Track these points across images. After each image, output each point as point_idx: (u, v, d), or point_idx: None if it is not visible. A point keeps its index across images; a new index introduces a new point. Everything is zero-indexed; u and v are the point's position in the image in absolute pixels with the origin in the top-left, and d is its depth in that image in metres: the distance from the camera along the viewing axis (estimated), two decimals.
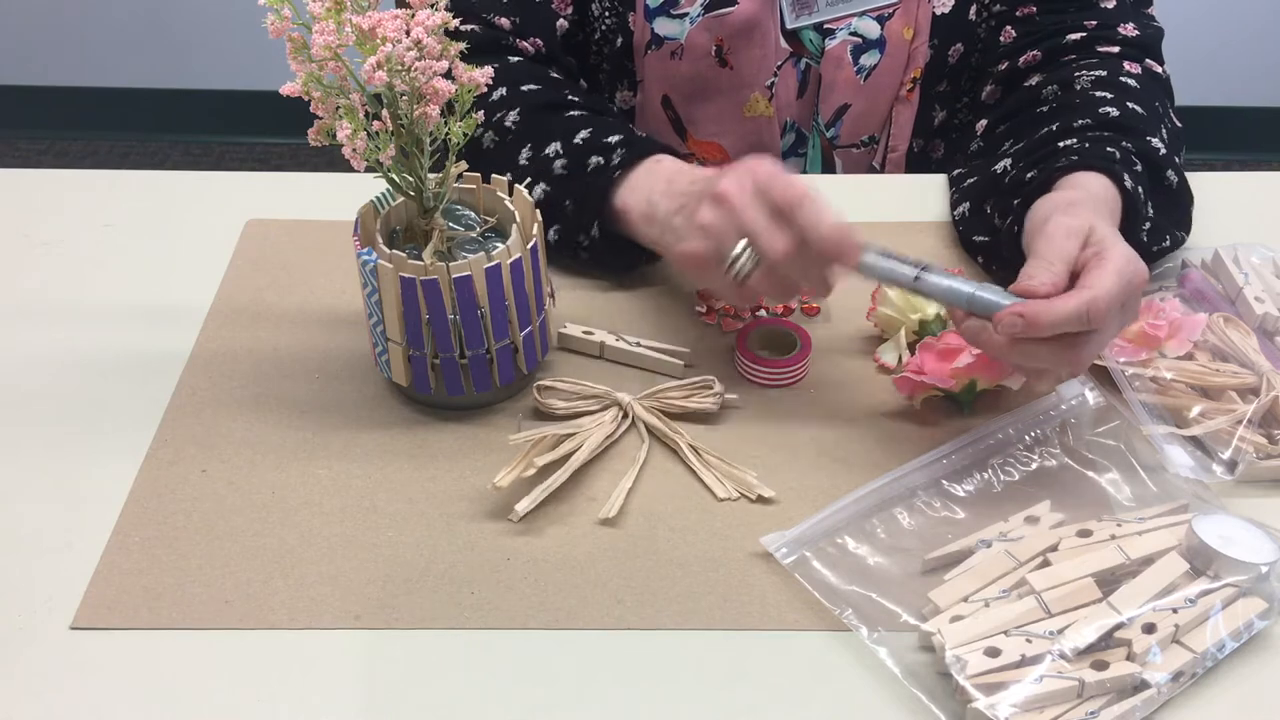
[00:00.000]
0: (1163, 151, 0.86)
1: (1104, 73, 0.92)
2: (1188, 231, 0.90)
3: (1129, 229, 0.80)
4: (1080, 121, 0.87)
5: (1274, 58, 2.46)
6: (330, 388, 0.82)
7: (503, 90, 0.91)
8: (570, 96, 0.92)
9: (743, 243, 0.72)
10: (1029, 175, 0.84)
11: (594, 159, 0.86)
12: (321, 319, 0.87)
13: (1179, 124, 0.93)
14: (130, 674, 0.64)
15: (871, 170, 1.08)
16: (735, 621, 0.67)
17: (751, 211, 0.72)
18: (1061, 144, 0.85)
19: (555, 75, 0.96)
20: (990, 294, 0.69)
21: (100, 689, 0.63)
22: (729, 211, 0.73)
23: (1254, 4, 2.39)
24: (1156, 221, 0.85)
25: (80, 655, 0.65)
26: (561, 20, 1.00)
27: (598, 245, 0.87)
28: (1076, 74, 0.93)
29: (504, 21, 0.97)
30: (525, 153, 0.89)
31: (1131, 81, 0.91)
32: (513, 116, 0.90)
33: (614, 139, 0.87)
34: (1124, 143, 0.84)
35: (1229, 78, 2.45)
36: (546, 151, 0.88)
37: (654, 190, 0.82)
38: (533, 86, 0.92)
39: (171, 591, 0.68)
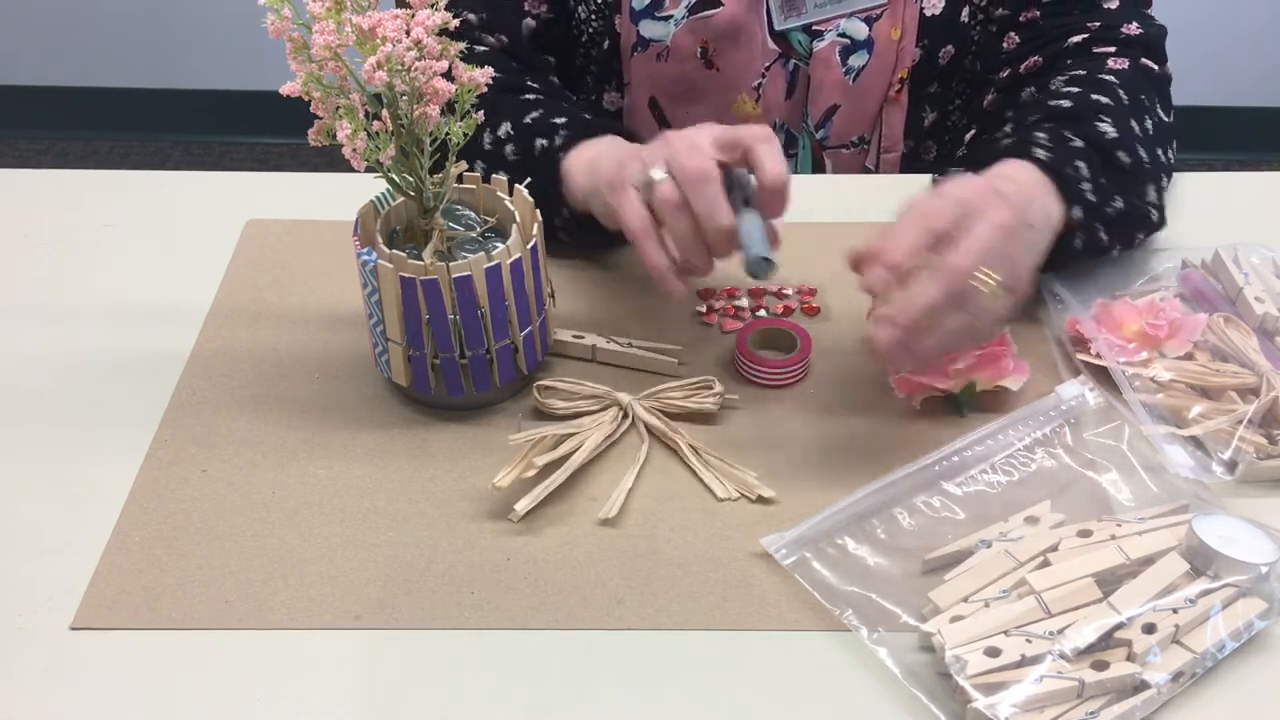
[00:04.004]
0: (1110, 135, 0.85)
1: (1083, 71, 0.92)
2: (1155, 207, 0.88)
3: (1067, 197, 0.80)
4: (1032, 117, 0.88)
5: (1274, 58, 2.46)
6: (330, 388, 0.82)
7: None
8: (528, 83, 0.94)
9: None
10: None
11: (539, 141, 0.87)
12: (321, 319, 0.87)
13: (1167, 119, 0.93)
14: (130, 674, 0.64)
15: (864, 171, 1.08)
16: (735, 621, 0.67)
17: (682, 140, 0.74)
18: (1004, 143, 0.86)
19: (514, 64, 0.98)
20: (748, 223, 0.73)
21: (100, 689, 0.63)
22: (664, 142, 0.75)
23: (1254, 5, 2.39)
24: (1102, 187, 0.84)
25: (80, 655, 0.65)
26: (529, 20, 1.01)
27: (571, 225, 0.87)
28: (1058, 75, 0.93)
29: (471, 17, 0.98)
30: (486, 138, 0.90)
31: (1110, 77, 0.91)
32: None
33: (559, 120, 0.88)
34: (1063, 129, 0.84)
35: (1229, 78, 2.45)
36: (499, 134, 0.89)
37: (598, 155, 0.84)
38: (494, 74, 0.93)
39: (171, 591, 0.68)
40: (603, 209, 0.81)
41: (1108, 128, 0.86)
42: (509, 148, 0.89)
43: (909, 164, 1.09)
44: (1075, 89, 0.90)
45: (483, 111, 0.89)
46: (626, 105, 1.05)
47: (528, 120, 0.89)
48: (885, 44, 1.00)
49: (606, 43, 1.02)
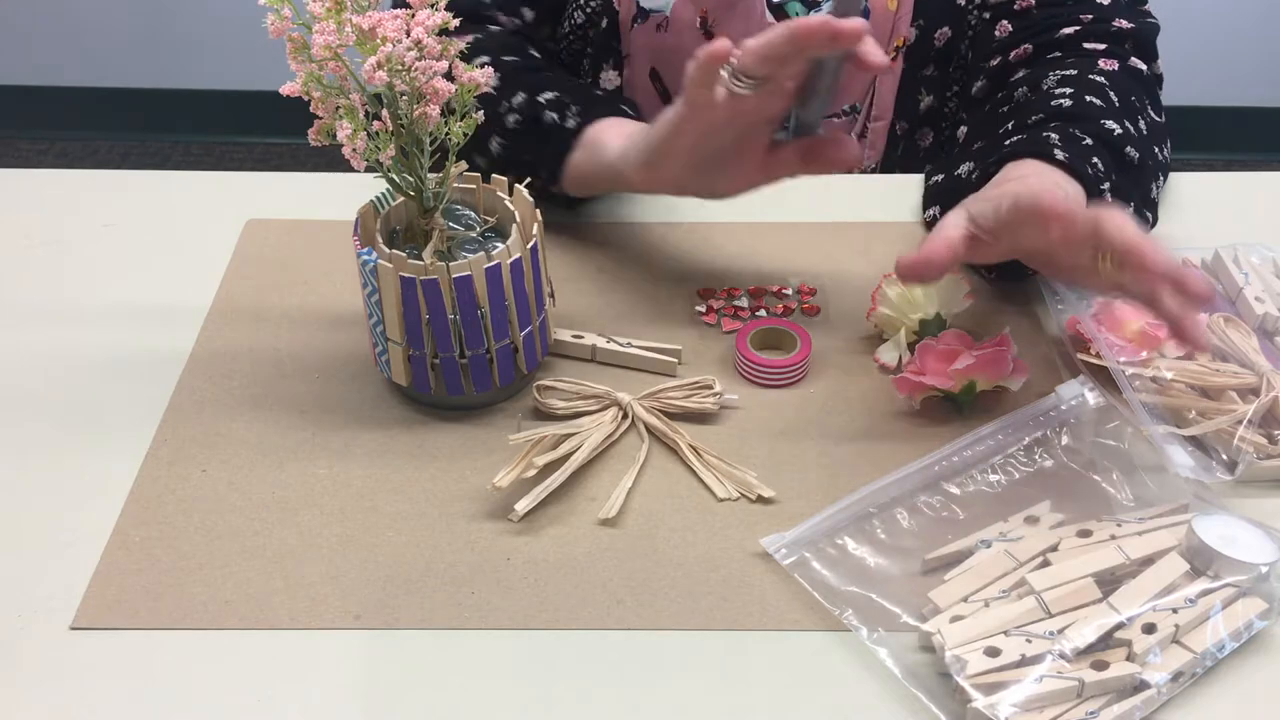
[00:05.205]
0: (1118, 132, 0.85)
1: (1074, 72, 0.92)
2: (1153, 206, 0.88)
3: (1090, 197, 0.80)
4: (1034, 117, 0.88)
5: (1274, 57, 2.46)
6: (330, 388, 0.82)
7: (485, 58, 0.94)
8: (547, 71, 0.96)
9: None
10: (974, 175, 0.85)
11: (549, 115, 0.88)
12: (321, 319, 0.87)
13: (1160, 119, 0.93)
14: (130, 674, 0.64)
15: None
16: (735, 621, 0.67)
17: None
18: (1007, 142, 0.85)
19: (533, 52, 0.99)
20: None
21: (100, 689, 0.63)
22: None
23: (1253, 3, 2.39)
24: (1116, 186, 0.84)
25: (80, 655, 0.65)
26: (526, 9, 1.03)
27: (546, 193, 0.90)
28: (1048, 73, 0.93)
29: None
30: (501, 107, 0.91)
31: (1100, 78, 0.91)
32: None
33: (574, 100, 0.89)
34: (1071, 129, 0.84)
35: (1229, 78, 2.45)
36: (513, 103, 0.90)
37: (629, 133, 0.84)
38: (512, 58, 0.95)
39: (171, 591, 0.68)
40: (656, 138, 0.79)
41: (1113, 124, 0.86)
42: (513, 117, 0.90)
43: (905, 147, 1.09)
44: (1070, 89, 0.90)
45: (500, 78, 0.90)
46: (626, 79, 1.07)
47: (541, 98, 0.90)
48: (881, 14, 1.01)
49: (605, 20, 1.04)
